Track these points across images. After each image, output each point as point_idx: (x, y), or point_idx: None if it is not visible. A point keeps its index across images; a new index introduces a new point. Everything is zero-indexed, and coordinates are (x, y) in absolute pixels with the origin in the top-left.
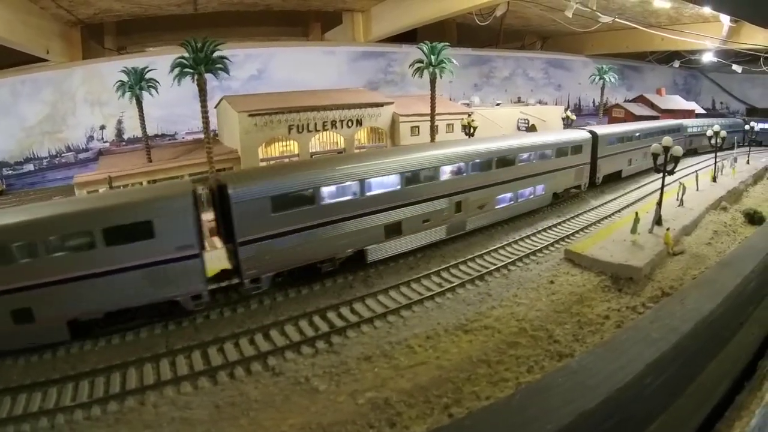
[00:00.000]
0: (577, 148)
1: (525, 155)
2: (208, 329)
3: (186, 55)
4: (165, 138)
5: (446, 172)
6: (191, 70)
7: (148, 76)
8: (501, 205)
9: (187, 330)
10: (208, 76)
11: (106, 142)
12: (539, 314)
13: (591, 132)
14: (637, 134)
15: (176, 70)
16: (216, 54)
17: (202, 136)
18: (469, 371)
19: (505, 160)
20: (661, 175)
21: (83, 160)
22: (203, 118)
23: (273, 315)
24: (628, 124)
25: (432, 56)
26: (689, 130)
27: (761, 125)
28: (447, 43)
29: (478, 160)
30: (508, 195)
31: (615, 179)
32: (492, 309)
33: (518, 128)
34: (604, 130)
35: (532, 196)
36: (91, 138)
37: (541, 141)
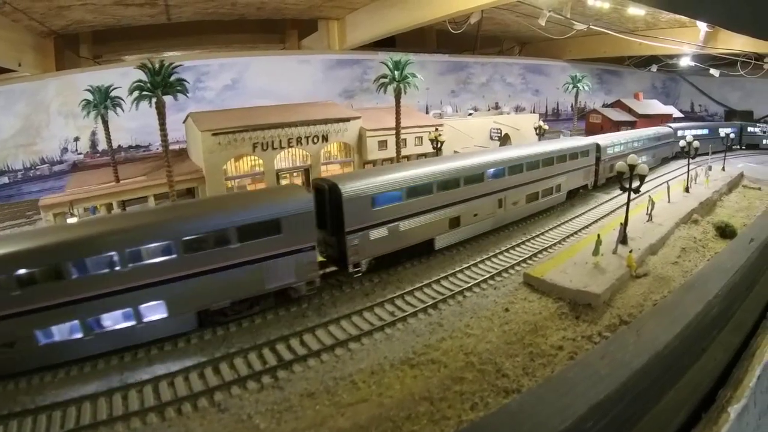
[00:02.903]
0: (267, 225)
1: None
2: (162, 361)
3: (144, 78)
4: (140, 149)
5: None
6: (149, 93)
7: (113, 94)
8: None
9: (141, 362)
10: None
11: (80, 154)
12: (489, 346)
13: (328, 187)
14: (480, 173)
15: (135, 94)
16: (174, 77)
17: (176, 147)
18: (410, 409)
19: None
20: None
21: (58, 172)
22: (162, 140)
23: (224, 347)
24: (449, 159)
25: (396, 72)
26: (609, 151)
27: (693, 132)
28: (410, 59)
29: None
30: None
31: (425, 252)
32: (441, 341)
33: (491, 138)
34: (366, 180)
35: (135, 325)
36: (65, 150)
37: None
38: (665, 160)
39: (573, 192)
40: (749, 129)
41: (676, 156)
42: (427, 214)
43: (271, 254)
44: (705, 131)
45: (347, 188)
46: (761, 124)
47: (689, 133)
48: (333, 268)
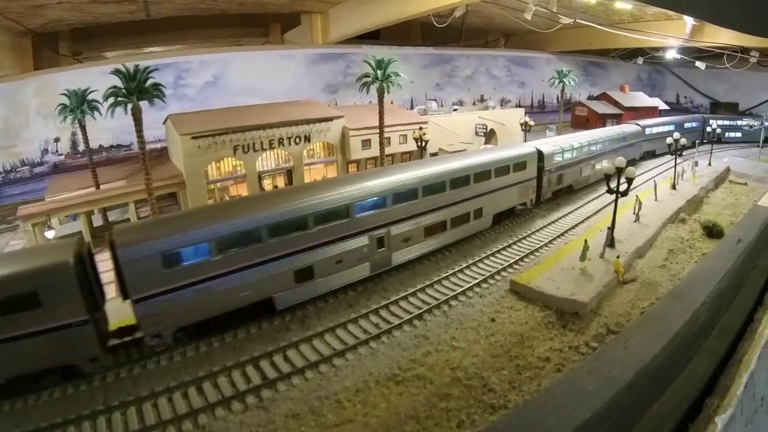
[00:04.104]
0: (22, 299)
1: None
2: (146, 381)
3: (119, 83)
4: (121, 149)
5: None
6: (125, 99)
7: (90, 97)
8: None
9: (125, 382)
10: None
11: (60, 155)
12: (475, 360)
13: (109, 243)
14: (344, 206)
15: (110, 100)
16: (150, 82)
17: (158, 146)
18: (397, 429)
19: None
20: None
21: (39, 174)
22: (140, 147)
23: (208, 364)
24: (298, 191)
25: (379, 71)
26: (556, 159)
27: (660, 128)
28: (393, 58)
29: None
30: None
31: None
32: (427, 355)
33: (476, 134)
34: (154, 235)
35: None
36: (45, 151)
37: None
38: (632, 163)
39: (506, 213)
40: (711, 122)
41: (644, 157)
42: (257, 267)
43: (33, 331)
44: (672, 127)
45: (125, 247)
46: (749, 118)
47: (656, 129)
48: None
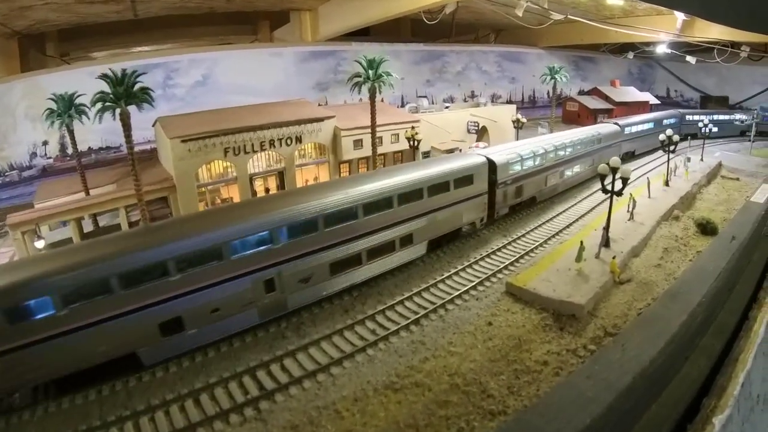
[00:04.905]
0: None
1: None
2: (140, 394)
3: (107, 89)
4: (110, 151)
5: None
6: (112, 105)
7: (78, 101)
8: None
9: (120, 395)
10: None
11: (49, 158)
12: (473, 365)
13: None
14: (216, 246)
15: (98, 105)
16: (138, 86)
17: (147, 147)
18: None
19: None
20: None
21: (27, 178)
22: (129, 152)
23: (204, 375)
24: (162, 229)
25: (370, 70)
26: (514, 169)
27: (638, 127)
28: (385, 58)
29: None
30: None
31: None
32: (425, 361)
33: (468, 131)
34: None
35: None
36: (34, 155)
37: None
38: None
39: (451, 235)
40: (687, 117)
41: (624, 159)
42: (112, 321)
43: None
44: (651, 125)
45: None
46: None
47: (636, 128)
48: None
